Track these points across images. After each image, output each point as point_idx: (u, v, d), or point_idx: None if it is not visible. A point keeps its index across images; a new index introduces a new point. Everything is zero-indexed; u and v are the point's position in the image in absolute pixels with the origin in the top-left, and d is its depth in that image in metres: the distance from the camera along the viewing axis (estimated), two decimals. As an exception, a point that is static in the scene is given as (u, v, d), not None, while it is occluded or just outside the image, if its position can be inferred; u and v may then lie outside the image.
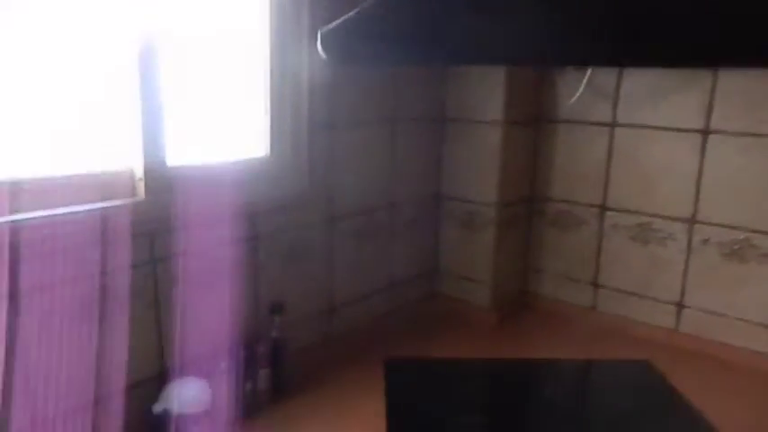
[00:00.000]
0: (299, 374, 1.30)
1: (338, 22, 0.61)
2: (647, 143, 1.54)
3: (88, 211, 0.98)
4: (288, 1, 1.23)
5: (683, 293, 1.53)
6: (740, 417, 1.23)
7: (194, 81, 1.13)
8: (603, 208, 1.63)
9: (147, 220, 1.05)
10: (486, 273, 1.66)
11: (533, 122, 1.69)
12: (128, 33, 1.01)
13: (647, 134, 1.54)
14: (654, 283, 1.58)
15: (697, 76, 1.45)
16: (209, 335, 1.17)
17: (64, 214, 0.95)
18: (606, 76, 1.57)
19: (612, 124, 1.58)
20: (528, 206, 1.75)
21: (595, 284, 1.67)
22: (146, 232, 1.06)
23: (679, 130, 1.49)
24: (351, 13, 0.60)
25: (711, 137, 1.45)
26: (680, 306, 1.53)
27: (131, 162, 1.06)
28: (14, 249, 0.90)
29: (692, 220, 1.50)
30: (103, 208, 1.00)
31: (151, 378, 1.10)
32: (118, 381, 1.03)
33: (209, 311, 1.17)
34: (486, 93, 1.57)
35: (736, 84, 1.40)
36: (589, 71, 1.56)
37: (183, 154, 1.13)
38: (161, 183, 1.08)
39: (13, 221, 0.90)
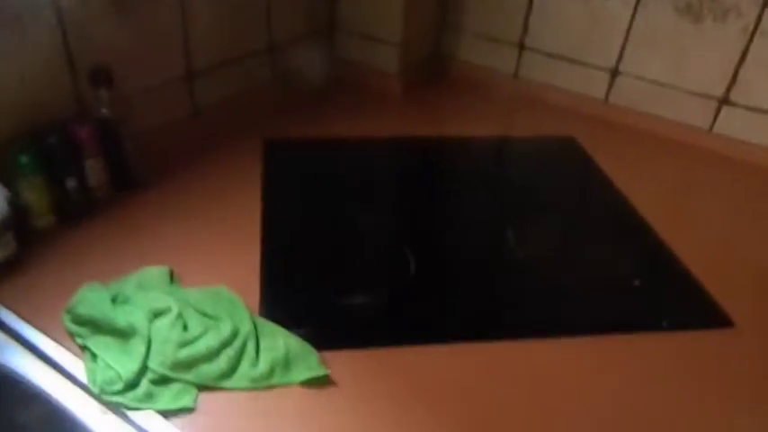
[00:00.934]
0: (151, 163, 1.01)
1: None
2: None
3: None
4: None
5: (620, 58, 1.29)
6: (661, 194, 1.10)
7: None
8: (542, -54, 1.29)
9: None
10: (393, 31, 1.33)
11: None
12: None
13: None
14: (589, 46, 1.32)
15: None
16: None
17: None
18: None
19: None
20: (448, -58, 1.37)
21: (521, 46, 1.39)
22: None
23: None
24: None
25: None
26: (615, 73, 1.31)
27: None
28: None
29: (647, -36, 1.20)
30: None
31: None
32: None
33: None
34: None
35: None
36: None
37: None
38: None
39: None
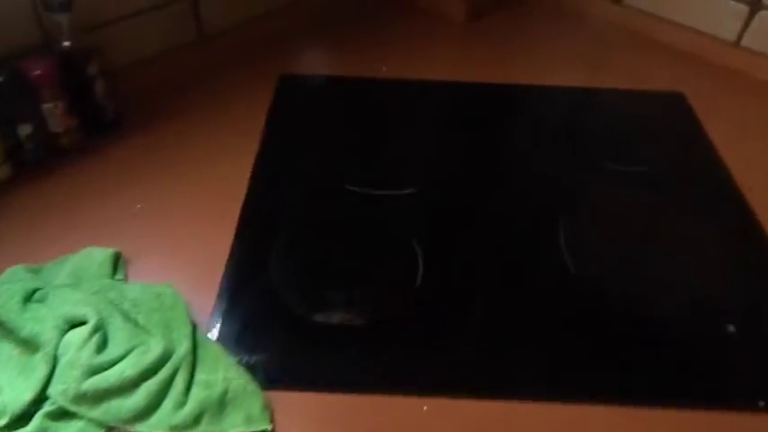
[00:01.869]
0: (138, 103, 0.85)
1: None
2: None
3: None
4: None
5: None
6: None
7: None
8: None
9: None
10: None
11: None
12: None
13: None
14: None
15: None
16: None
17: None
18: None
19: None
20: None
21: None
22: None
23: None
24: None
25: None
26: (756, 5, 0.96)
27: None
28: None
29: None
30: None
31: None
32: None
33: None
34: None
35: None
36: None
37: None
38: None
39: None
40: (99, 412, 0.52)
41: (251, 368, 0.57)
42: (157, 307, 0.60)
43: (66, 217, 0.71)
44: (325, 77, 0.95)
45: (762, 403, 0.56)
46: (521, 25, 1.12)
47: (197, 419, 0.53)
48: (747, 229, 0.73)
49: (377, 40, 1.04)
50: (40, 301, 0.59)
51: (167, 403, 0.53)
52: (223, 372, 0.55)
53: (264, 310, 0.62)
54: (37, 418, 0.52)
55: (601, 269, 0.68)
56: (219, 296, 0.63)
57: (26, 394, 0.52)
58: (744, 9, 0.97)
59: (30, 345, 0.55)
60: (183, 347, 0.56)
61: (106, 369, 0.54)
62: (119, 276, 0.64)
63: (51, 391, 0.53)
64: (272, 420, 0.53)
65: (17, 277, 0.62)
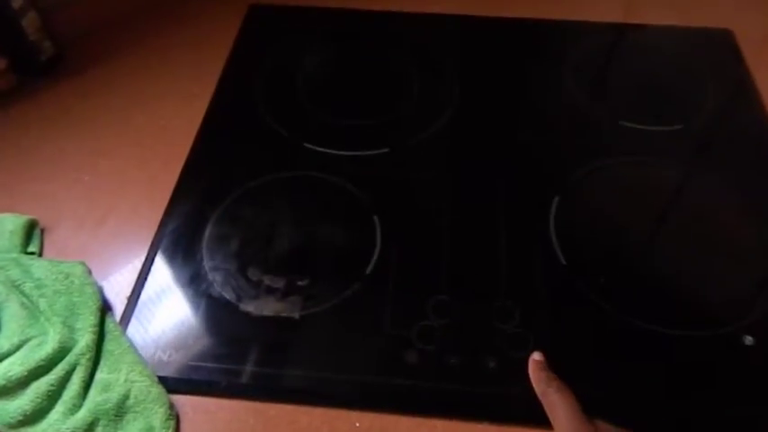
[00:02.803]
0: (82, 40, 0.75)
1: None
2: None
3: None
4: None
5: None
6: None
7: None
8: None
9: None
10: None
11: None
12: None
13: None
14: None
15: None
16: None
17: None
18: None
19: None
20: None
21: None
22: None
23: None
24: None
25: None
26: None
27: None
28: None
29: None
30: None
31: None
32: None
33: None
34: None
35: None
36: None
37: None
38: None
39: None
40: (-19, 415, 0.46)
41: (163, 367, 0.49)
42: (64, 289, 0.52)
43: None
44: (302, 8, 0.82)
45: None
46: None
47: (90, 428, 0.46)
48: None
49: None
50: (-69, 280, 0.52)
51: (59, 407, 0.47)
52: (126, 371, 0.48)
53: (189, 298, 0.54)
54: None
55: (597, 261, 0.56)
56: (139, 278, 0.55)
57: None
58: None
59: None
60: (83, 341, 0.49)
61: (-9, 366, 0.47)
62: (32, 248, 0.57)
63: (-70, 389, 0.47)
64: (175, 432, 0.46)
65: None
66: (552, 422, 0.43)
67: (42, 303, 0.51)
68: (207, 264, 0.56)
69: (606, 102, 0.71)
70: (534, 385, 0.46)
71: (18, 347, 0.48)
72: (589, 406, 0.43)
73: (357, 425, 0.47)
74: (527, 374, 0.47)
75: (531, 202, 0.60)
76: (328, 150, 0.65)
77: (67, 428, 0.45)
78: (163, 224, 0.59)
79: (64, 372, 0.47)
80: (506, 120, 0.68)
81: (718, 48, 0.76)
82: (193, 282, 0.55)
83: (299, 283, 0.54)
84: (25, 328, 0.50)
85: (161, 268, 0.56)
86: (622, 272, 0.56)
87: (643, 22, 0.80)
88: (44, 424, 0.46)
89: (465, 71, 0.74)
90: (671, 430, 0.46)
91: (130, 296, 0.54)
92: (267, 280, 0.55)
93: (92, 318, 0.50)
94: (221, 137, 0.67)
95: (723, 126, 0.68)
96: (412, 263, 0.56)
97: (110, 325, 0.51)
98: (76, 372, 0.48)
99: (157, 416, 0.46)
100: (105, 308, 0.52)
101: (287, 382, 0.49)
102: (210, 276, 0.55)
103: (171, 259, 0.56)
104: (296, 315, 0.52)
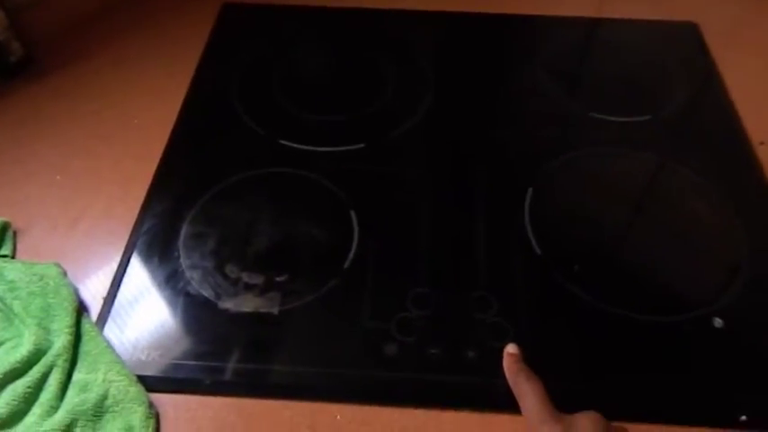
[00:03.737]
0: (53, 39, 0.74)
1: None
2: None
3: None
4: None
5: None
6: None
7: None
8: None
9: None
10: None
11: None
12: None
13: None
14: None
15: None
16: None
17: None
18: None
19: None
20: None
21: None
22: None
23: None
24: None
25: None
26: None
27: None
28: None
29: None
30: None
31: None
32: None
33: None
34: None
35: None
36: None
37: None
38: None
39: None
40: (-45, 419, 0.45)
41: (141, 366, 0.49)
42: (39, 291, 0.51)
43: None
44: (276, 7, 0.82)
45: (744, 416, 0.47)
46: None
47: (68, 429, 0.45)
48: (753, 201, 0.61)
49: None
50: None
51: (36, 409, 0.46)
52: (104, 371, 0.48)
53: (167, 296, 0.53)
54: None
55: (571, 250, 0.57)
56: (115, 278, 0.54)
57: None
58: None
59: None
60: (60, 342, 0.48)
61: (-36, 370, 0.46)
62: (4, 251, 0.56)
63: None
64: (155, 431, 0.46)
65: None
66: (522, 410, 0.44)
67: (16, 306, 0.50)
68: (184, 262, 0.55)
69: (577, 94, 0.72)
70: (507, 376, 0.47)
71: (-9, 352, 0.48)
72: (566, 392, 0.44)
73: (338, 417, 0.47)
74: (504, 364, 0.48)
75: (506, 194, 0.61)
76: (304, 147, 0.65)
77: (45, 430, 0.45)
78: (138, 223, 0.58)
79: (40, 374, 0.47)
80: (481, 114, 0.69)
81: (684, 41, 0.78)
82: (171, 280, 0.54)
83: (278, 279, 0.54)
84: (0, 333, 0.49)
85: (137, 268, 0.55)
86: (596, 260, 0.57)
87: (613, 16, 0.81)
88: (21, 426, 0.45)
89: (439, 66, 0.74)
90: (646, 412, 0.47)
91: (107, 296, 0.53)
92: (245, 277, 0.54)
93: (68, 319, 0.50)
94: (196, 135, 0.66)
95: (690, 116, 0.69)
96: (390, 256, 0.56)
97: (86, 326, 0.51)
98: (53, 373, 0.47)
99: (137, 415, 0.46)
100: (81, 309, 0.52)
101: (267, 377, 0.49)
102: (188, 274, 0.54)
103: (147, 258, 0.56)
104: (275, 311, 0.52)
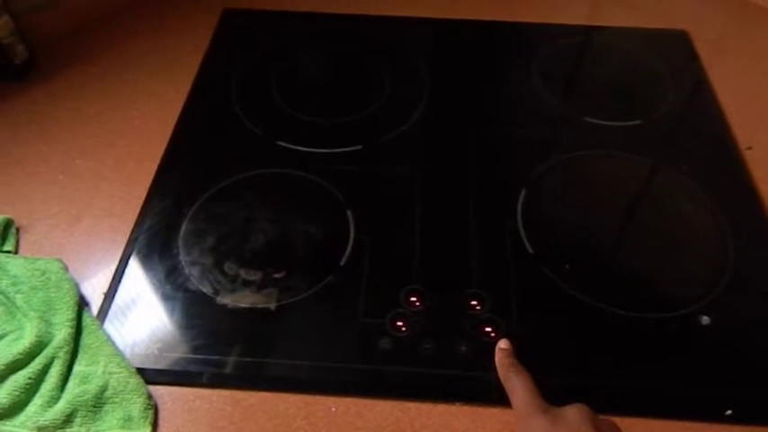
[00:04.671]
0: (56, 43, 0.76)
1: None
2: None
3: None
4: None
5: None
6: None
7: None
8: None
9: None
10: None
11: None
12: None
13: None
14: None
15: None
16: None
17: None
18: None
19: None
20: None
21: None
22: None
23: None
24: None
25: None
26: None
27: None
28: None
29: None
30: None
31: None
32: None
33: None
34: None
35: None
36: None
37: None
38: None
39: None
40: (-43, 409, 0.46)
41: (141, 359, 0.50)
42: (41, 286, 0.52)
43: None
44: (275, 12, 0.83)
45: (731, 411, 0.48)
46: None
47: (68, 419, 0.46)
48: (739, 203, 0.62)
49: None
50: None
51: (37, 400, 0.47)
52: (104, 363, 0.49)
53: (166, 292, 0.55)
54: None
55: (562, 250, 0.58)
56: (116, 274, 0.55)
57: None
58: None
59: None
60: (61, 334, 0.49)
61: (-33, 361, 0.48)
62: (7, 247, 0.57)
63: None
64: (153, 422, 0.47)
65: None
66: (512, 403, 0.45)
67: (19, 299, 0.51)
68: (184, 259, 0.56)
69: (571, 99, 0.73)
70: (498, 370, 0.48)
71: (-6, 343, 0.49)
72: (555, 386, 0.45)
73: (333, 409, 0.48)
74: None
75: (500, 195, 0.62)
76: (302, 148, 0.66)
77: (46, 420, 0.46)
78: (139, 222, 0.59)
79: (42, 365, 0.48)
80: (475, 117, 0.71)
81: (675, 48, 0.80)
82: (170, 276, 0.55)
83: (275, 275, 0.55)
84: (2, 324, 0.50)
85: (138, 264, 0.56)
86: (586, 259, 0.58)
87: (606, 24, 0.83)
88: (22, 416, 0.46)
89: (435, 71, 0.76)
90: (634, 406, 0.48)
91: (107, 291, 0.54)
92: (243, 273, 0.56)
93: (69, 312, 0.51)
94: (196, 137, 0.68)
95: (680, 121, 0.71)
96: (385, 254, 0.57)
97: (87, 319, 0.52)
98: (54, 365, 0.48)
99: (136, 406, 0.47)
100: (82, 303, 0.53)
101: (264, 370, 0.50)
102: (187, 271, 0.56)
103: (148, 255, 0.57)
104: (272, 306, 0.53)
